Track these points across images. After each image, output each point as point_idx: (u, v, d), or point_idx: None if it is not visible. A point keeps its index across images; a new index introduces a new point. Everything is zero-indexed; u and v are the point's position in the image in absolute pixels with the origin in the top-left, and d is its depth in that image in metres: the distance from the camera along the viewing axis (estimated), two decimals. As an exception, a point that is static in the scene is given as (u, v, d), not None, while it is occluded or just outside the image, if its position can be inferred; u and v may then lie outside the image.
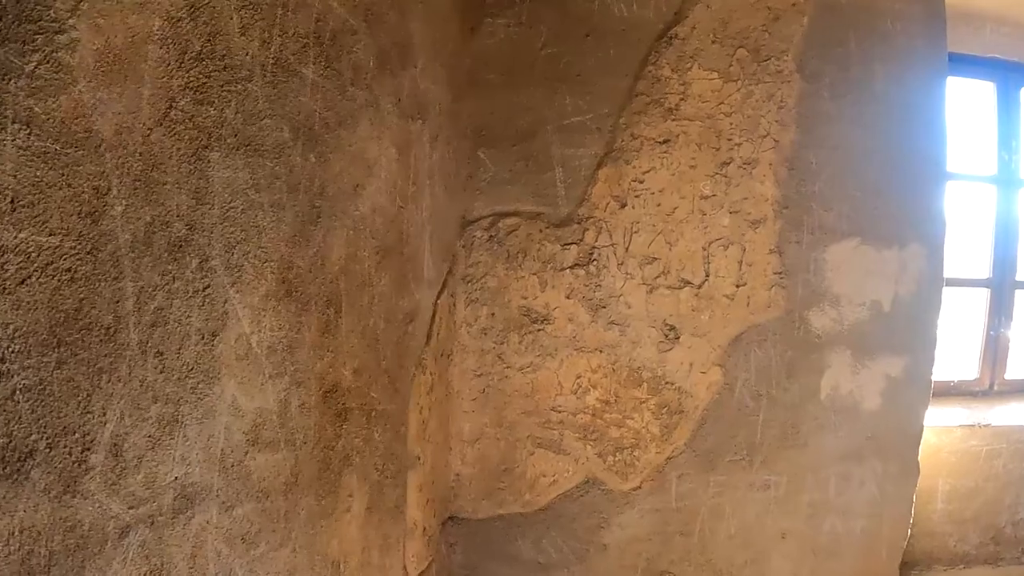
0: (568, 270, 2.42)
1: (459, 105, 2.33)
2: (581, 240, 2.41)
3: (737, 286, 2.39)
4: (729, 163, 2.39)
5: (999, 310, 3.11)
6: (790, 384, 2.46)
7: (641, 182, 2.38)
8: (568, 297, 2.43)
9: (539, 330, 2.47)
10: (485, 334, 2.51)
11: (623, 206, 2.39)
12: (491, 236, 2.47)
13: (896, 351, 2.53)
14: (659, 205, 2.37)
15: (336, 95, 1.45)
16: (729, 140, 2.39)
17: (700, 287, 2.39)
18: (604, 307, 2.42)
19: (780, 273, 2.41)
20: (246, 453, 1.19)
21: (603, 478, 2.52)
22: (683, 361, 2.43)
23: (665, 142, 2.38)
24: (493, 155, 2.45)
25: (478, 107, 2.43)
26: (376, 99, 1.62)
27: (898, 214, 2.49)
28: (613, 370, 2.45)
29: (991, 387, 3.13)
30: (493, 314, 2.50)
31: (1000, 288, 3.10)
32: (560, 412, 2.50)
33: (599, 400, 2.47)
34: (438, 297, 2.25)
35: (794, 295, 2.43)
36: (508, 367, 2.52)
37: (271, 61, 1.21)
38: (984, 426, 2.91)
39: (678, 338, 2.41)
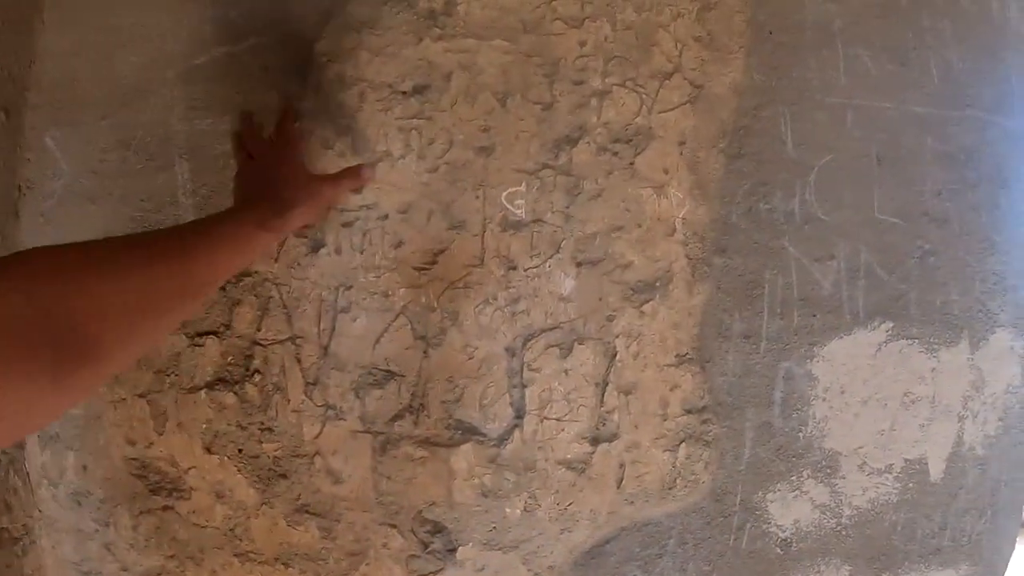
0: (204, 391, 1.04)
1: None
2: (228, 325, 1.02)
3: (593, 441, 1.00)
4: (577, 139, 0.96)
5: None
6: (716, 641, 1.09)
7: (358, 190, 0.96)
8: (211, 450, 1.06)
9: (166, 508, 1.12)
10: (79, 503, 1.18)
11: (317, 248, 0.98)
12: (57, 302, 1.07)
13: (945, 556, 1.15)
14: (399, 246, 0.96)
15: None
16: (577, 83, 0.96)
17: (502, 442, 1.00)
18: (285, 477, 1.05)
19: (700, 410, 1.01)
20: None
21: None
22: (468, 601, 1.06)
23: (418, 92, 0.95)
24: (68, 141, 1.07)
25: (48, 44, 1.04)
26: None
27: (973, 272, 1.07)
28: (319, 606, 1.10)
29: None
30: (86, 467, 1.15)
31: None
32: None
33: (301, 659, 1.13)
34: None
35: (732, 458, 1.04)
36: (126, 570, 1.18)
37: None
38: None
39: (452, 551, 1.04)
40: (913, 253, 1.05)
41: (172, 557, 1.15)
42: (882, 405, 1.05)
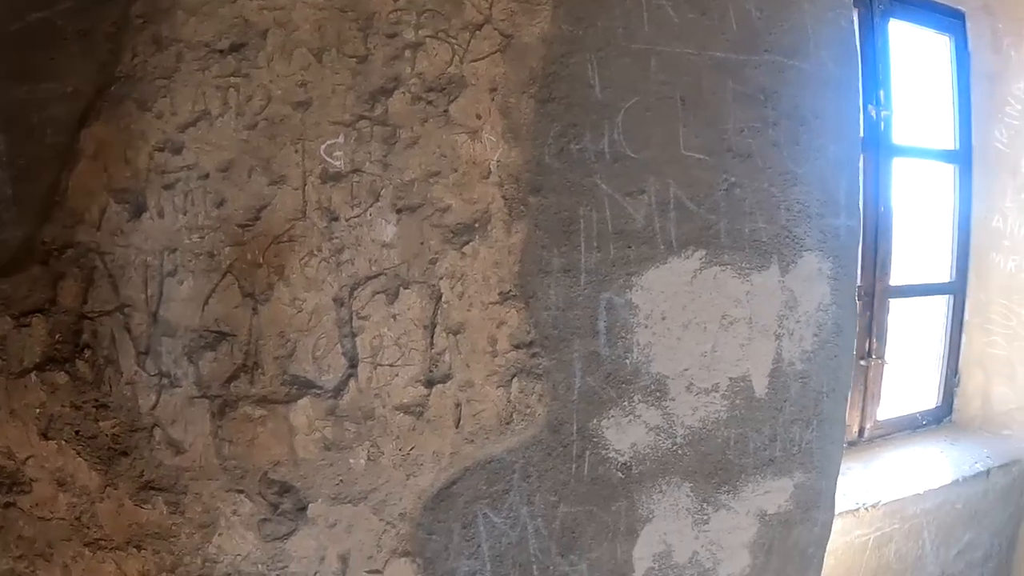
0: (35, 373, 1.02)
1: None
2: (54, 301, 1.00)
3: (428, 384, 1.03)
4: (392, 90, 1.00)
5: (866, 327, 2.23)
6: (571, 566, 1.14)
7: (178, 151, 0.97)
8: (47, 436, 1.04)
9: (8, 505, 1.09)
10: (-87, 508, 1.11)
11: (139, 213, 0.98)
12: None
13: (779, 466, 1.24)
14: (221, 204, 0.97)
15: None
16: (391, 36, 1.00)
17: (339, 392, 1.02)
18: (126, 454, 1.04)
19: (528, 344, 1.06)
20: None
21: None
22: (323, 555, 1.07)
23: (235, 50, 0.97)
24: None
25: None
26: None
27: (778, 201, 1.17)
28: (176, 583, 1.08)
29: (862, 434, 2.31)
30: (-84, 467, 1.09)
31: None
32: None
33: (165, 641, 1.11)
34: None
35: (564, 389, 1.09)
36: (-27, 575, 1.13)
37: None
38: (872, 507, 1.95)
39: (302, 509, 1.04)
40: (720, 186, 1.14)
41: (20, 558, 1.11)
42: (702, 328, 1.13)
